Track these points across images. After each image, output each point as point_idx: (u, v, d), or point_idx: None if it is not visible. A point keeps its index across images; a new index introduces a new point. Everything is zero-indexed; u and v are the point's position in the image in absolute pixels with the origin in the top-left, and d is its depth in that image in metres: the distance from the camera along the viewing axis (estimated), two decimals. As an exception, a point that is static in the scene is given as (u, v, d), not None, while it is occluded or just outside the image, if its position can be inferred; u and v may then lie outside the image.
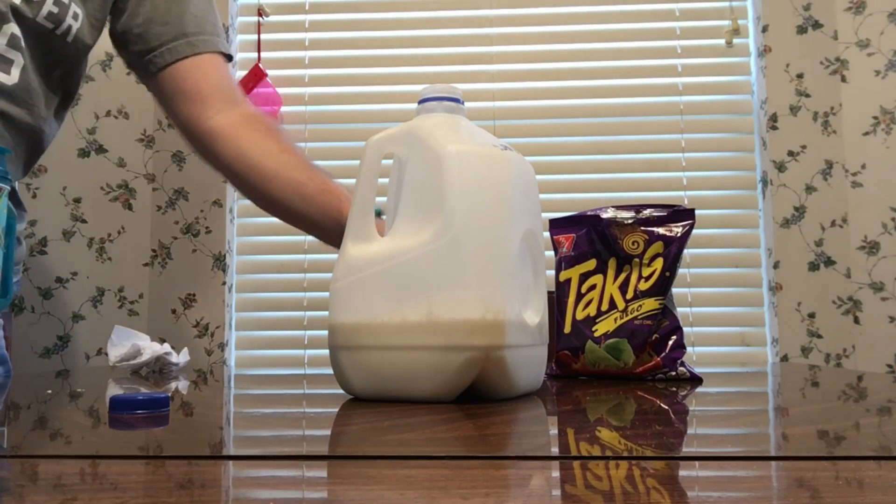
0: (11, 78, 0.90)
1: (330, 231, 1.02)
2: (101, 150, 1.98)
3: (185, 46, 1.04)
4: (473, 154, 0.57)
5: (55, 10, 0.91)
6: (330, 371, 0.62)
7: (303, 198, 1.03)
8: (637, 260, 0.76)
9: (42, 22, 0.91)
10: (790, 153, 1.91)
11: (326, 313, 0.60)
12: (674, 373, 0.74)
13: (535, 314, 0.60)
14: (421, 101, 0.62)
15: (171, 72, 1.04)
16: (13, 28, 0.89)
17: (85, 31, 0.97)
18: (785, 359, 1.86)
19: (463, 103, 0.63)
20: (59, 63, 0.97)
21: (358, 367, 0.57)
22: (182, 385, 0.78)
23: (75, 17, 0.94)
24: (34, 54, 0.93)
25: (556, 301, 0.81)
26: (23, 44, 0.91)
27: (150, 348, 0.95)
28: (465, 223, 0.55)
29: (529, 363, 0.59)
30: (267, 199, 1.06)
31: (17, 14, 0.89)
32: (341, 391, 0.61)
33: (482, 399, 0.56)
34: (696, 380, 0.73)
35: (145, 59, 1.04)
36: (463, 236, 0.54)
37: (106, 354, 0.99)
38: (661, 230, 0.77)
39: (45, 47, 0.93)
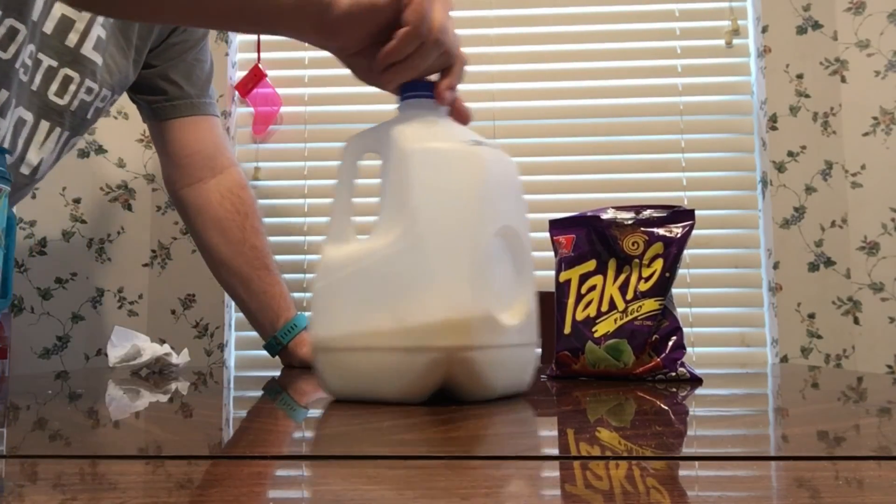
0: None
1: (264, 330, 1.13)
2: (100, 150, 1.98)
3: (188, 107, 1.12)
4: (438, 152, 0.56)
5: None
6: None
7: (247, 291, 1.13)
8: (637, 261, 0.76)
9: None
10: (790, 154, 1.91)
11: (326, 314, 0.60)
12: (674, 373, 0.74)
13: (517, 314, 0.58)
14: (400, 98, 0.62)
15: (166, 126, 1.13)
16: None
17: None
18: (785, 359, 1.86)
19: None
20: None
21: (333, 369, 0.57)
22: (182, 386, 0.78)
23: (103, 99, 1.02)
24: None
25: (556, 302, 0.81)
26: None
27: (150, 349, 0.95)
28: (429, 222, 0.54)
29: (507, 364, 0.57)
30: (218, 277, 1.17)
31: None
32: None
33: (458, 401, 0.54)
34: (696, 380, 0.73)
35: (150, 105, 1.12)
36: (426, 236, 0.53)
37: (105, 355, 0.99)
38: (661, 231, 0.77)
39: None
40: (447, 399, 0.55)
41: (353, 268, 0.56)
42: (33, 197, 1.96)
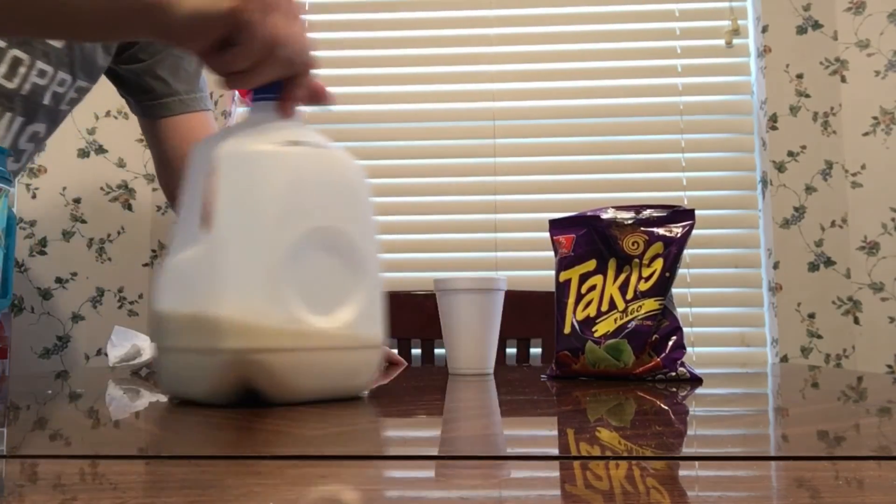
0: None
1: None
2: (100, 150, 1.98)
3: (177, 104, 1.08)
4: (239, 154, 0.56)
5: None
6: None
7: None
8: (637, 260, 0.76)
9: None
10: (790, 153, 1.91)
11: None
12: (674, 373, 0.74)
13: (339, 317, 0.57)
14: (250, 100, 0.62)
15: (157, 125, 1.08)
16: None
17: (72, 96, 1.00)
18: (785, 359, 1.86)
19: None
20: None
21: (161, 369, 0.59)
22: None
23: (62, 83, 0.96)
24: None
25: (556, 302, 0.81)
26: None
27: (150, 349, 0.95)
28: (229, 224, 0.54)
29: (320, 368, 0.56)
30: None
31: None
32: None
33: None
34: (696, 380, 0.73)
35: (139, 103, 1.08)
36: (225, 238, 0.54)
37: (105, 355, 0.99)
38: (661, 231, 0.77)
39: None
40: (227, 402, 0.54)
41: (176, 271, 0.57)
42: (33, 197, 1.96)
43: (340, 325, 0.57)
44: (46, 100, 0.95)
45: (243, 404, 0.54)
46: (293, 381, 0.54)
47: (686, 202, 1.95)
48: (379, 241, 0.62)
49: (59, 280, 1.95)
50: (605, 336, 0.75)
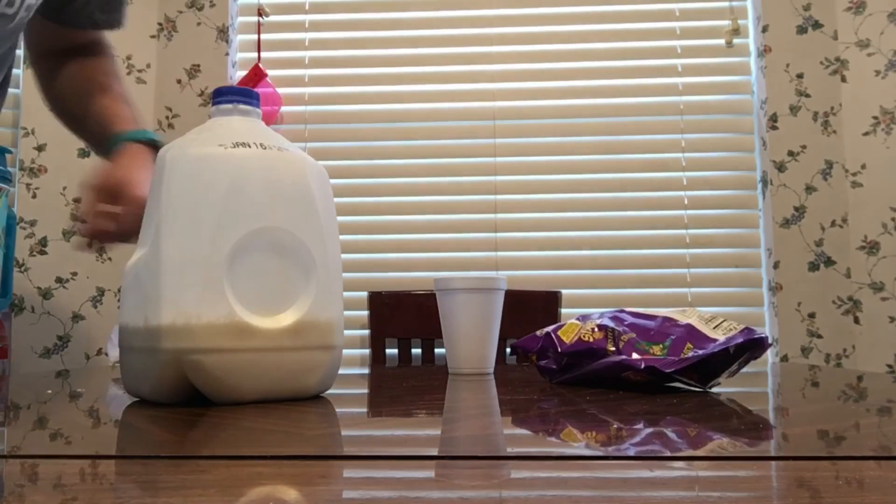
0: None
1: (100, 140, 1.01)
2: (101, 150, 1.98)
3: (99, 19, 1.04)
4: (182, 158, 0.57)
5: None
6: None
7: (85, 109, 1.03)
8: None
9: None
10: (790, 153, 1.91)
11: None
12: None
13: (284, 317, 0.57)
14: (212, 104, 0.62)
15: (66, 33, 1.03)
16: None
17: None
18: (785, 359, 1.86)
19: (244, 98, 0.61)
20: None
21: (122, 367, 0.60)
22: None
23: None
24: None
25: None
26: None
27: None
28: (164, 229, 0.55)
29: (261, 369, 0.56)
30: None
31: None
32: (339, 392, 0.61)
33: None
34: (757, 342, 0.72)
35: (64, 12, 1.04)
36: (165, 241, 0.55)
37: (106, 354, 0.99)
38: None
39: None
40: (175, 401, 0.55)
41: (129, 273, 0.58)
42: (33, 197, 1.96)
43: (284, 325, 0.56)
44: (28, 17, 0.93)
45: (193, 403, 0.55)
46: (231, 382, 0.54)
47: (686, 202, 1.95)
48: (337, 241, 0.61)
49: (59, 280, 1.95)
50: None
